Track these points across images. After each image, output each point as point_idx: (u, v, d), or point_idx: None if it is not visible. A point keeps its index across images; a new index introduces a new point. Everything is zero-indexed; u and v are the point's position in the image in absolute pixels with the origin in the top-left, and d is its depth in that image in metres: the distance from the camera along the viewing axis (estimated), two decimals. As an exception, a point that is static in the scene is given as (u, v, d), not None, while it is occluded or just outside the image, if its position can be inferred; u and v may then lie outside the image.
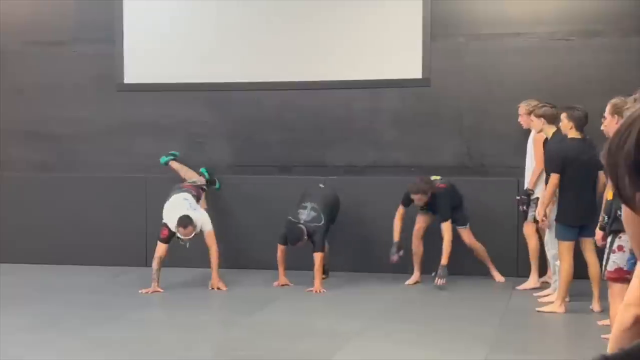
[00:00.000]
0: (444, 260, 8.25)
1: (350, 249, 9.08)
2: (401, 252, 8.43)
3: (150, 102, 9.83)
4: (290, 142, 9.57)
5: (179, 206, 8.36)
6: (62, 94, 10.10)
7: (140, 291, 8.26)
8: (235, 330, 6.84)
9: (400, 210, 8.56)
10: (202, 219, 8.38)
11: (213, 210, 9.36)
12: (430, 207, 8.48)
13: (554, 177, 7.23)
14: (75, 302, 7.88)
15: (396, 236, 8.48)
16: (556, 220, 7.36)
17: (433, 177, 8.58)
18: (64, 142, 10.11)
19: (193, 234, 8.23)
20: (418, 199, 8.40)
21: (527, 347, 6.42)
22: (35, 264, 9.78)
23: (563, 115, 7.38)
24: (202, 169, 9.44)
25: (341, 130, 9.49)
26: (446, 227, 8.35)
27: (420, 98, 9.31)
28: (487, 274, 8.65)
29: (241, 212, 9.15)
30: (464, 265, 8.93)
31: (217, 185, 9.53)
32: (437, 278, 8.22)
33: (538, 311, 7.37)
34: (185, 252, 8.94)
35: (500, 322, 7.05)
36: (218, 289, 8.29)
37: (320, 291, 8.24)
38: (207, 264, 8.53)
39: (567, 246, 7.25)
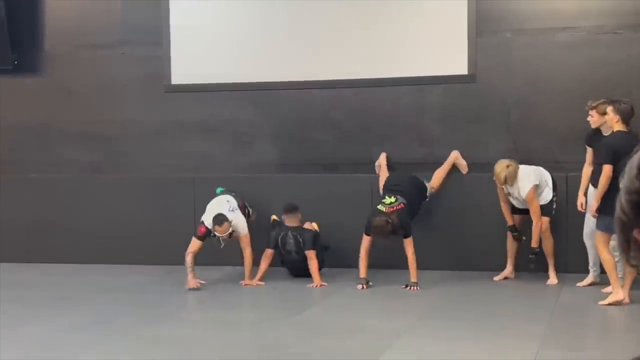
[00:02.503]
0: (412, 277, 8.29)
1: (397, 246, 9.06)
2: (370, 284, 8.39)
3: (197, 103, 9.92)
4: (336, 140, 9.59)
5: (218, 206, 8.63)
6: (111, 95, 10.24)
7: (186, 288, 8.41)
8: (284, 328, 6.88)
9: (366, 243, 8.44)
10: (239, 222, 8.59)
11: (260, 210, 9.41)
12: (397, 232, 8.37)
13: (608, 168, 7.27)
14: (126, 301, 8.00)
15: (362, 272, 8.43)
16: (600, 211, 7.40)
17: (389, 200, 8.43)
18: (114, 143, 10.25)
19: (228, 233, 8.43)
20: (377, 238, 8.37)
21: (579, 343, 6.37)
22: (86, 263, 9.95)
23: (609, 109, 7.45)
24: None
25: (387, 128, 9.49)
26: (408, 243, 8.37)
27: (466, 94, 9.28)
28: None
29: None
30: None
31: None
32: (409, 287, 8.25)
33: (600, 304, 7.36)
34: (233, 251, 9.02)
35: (551, 318, 7.00)
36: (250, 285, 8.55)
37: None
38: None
39: (606, 237, 7.35)
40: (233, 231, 8.53)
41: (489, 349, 6.11)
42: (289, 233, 8.75)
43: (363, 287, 8.34)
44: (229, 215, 8.50)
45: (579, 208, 8.14)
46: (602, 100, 7.84)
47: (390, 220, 8.24)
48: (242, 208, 8.91)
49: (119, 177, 10.19)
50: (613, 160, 7.28)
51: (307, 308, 7.71)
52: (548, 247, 8.48)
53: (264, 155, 9.84)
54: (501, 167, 8.26)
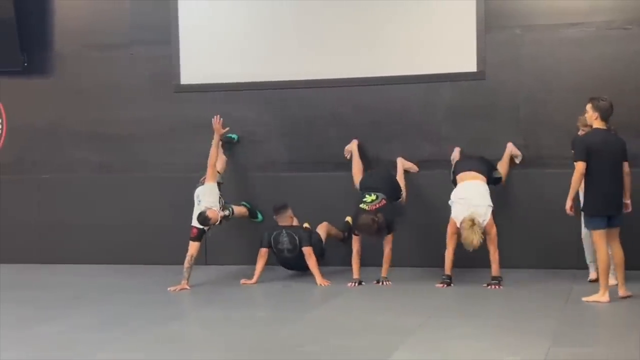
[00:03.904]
0: (384, 273, 8.46)
1: (409, 243, 9.07)
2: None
3: (206, 103, 9.93)
4: (346, 138, 9.58)
5: (195, 210, 8.83)
6: (120, 96, 10.27)
7: (168, 289, 8.45)
8: (295, 326, 6.89)
9: (356, 244, 8.57)
10: (212, 201, 8.76)
11: (269, 210, 9.39)
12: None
13: (580, 165, 7.34)
14: (138, 301, 8.03)
15: (355, 273, 8.57)
16: (582, 211, 7.51)
17: (370, 198, 8.50)
18: (123, 143, 10.28)
19: (220, 217, 8.77)
20: (364, 236, 8.49)
21: (590, 339, 6.36)
22: (98, 264, 9.99)
23: (588, 106, 7.49)
24: (243, 202, 9.58)
25: (397, 125, 9.49)
26: (388, 240, 8.48)
27: (475, 91, 9.27)
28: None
29: (299, 209, 9.17)
30: (523, 258, 8.88)
31: (259, 218, 9.64)
32: (381, 283, 8.42)
33: (584, 300, 7.42)
34: (238, 251, 9.05)
35: (562, 315, 7.00)
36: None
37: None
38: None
39: (600, 235, 7.39)
40: (226, 212, 8.86)
41: (500, 346, 6.10)
42: (283, 231, 8.78)
43: (354, 285, 8.42)
44: (204, 206, 8.70)
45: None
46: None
47: (376, 219, 8.31)
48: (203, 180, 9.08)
49: (129, 177, 10.22)
50: (586, 157, 7.31)
51: (317, 307, 7.71)
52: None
53: (274, 154, 9.85)
54: (468, 235, 8.04)
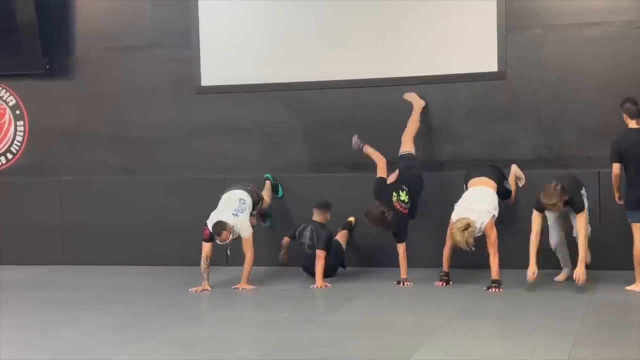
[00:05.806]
0: (403, 274, 8.44)
1: (430, 244, 9.04)
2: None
3: (227, 104, 9.97)
4: (365, 139, 9.54)
5: (224, 209, 8.57)
6: (142, 98, 10.32)
7: (190, 290, 8.44)
8: (317, 328, 6.89)
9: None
10: (242, 225, 8.48)
11: (291, 208, 9.39)
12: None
13: (615, 167, 7.76)
14: (159, 302, 8.05)
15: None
16: (628, 207, 7.80)
17: (404, 196, 8.50)
18: (144, 145, 10.32)
19: (229, 239, 8.39)
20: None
21: (613, 341, 6.31)
22: (117, 265, 10.03)
23: (622, 110, 7.90)
24: (266, 175, 9.56)
25: (417, 126, 9.46)
26: (400, 246, 8.48)
27: (496, 91, 9.24)
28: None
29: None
30: (545, 259, 8.83)
31: (280, 194, 9.64)
32: (402, 283, 8.42)
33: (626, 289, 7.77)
34: (259, 251, 9.03)
35: (585, 315, 6.95)
36: (243, 289, 8.49)
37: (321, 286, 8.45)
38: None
39: (634, 227, 7.73)
40: (234, 237, 8.48)
41: (521, 347, 6.07)
42: (310, 226, 8.82)
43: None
44: (231, 220, 8.40)
45: (532, 277, 7.97)
46: (556, 190, 7.82)
47: (386, 215, 8.30)
48: (255, 194, 8.92)
49: (150, 179, 10.26)
50: (619, 158, 7.70)
51: (337, 308, 7.70)
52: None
53: (294, 155, 9.85)
54: (460, 236, 7.95)
